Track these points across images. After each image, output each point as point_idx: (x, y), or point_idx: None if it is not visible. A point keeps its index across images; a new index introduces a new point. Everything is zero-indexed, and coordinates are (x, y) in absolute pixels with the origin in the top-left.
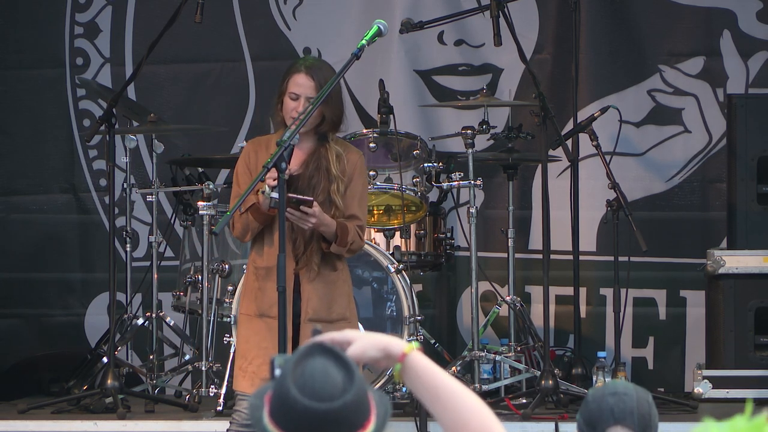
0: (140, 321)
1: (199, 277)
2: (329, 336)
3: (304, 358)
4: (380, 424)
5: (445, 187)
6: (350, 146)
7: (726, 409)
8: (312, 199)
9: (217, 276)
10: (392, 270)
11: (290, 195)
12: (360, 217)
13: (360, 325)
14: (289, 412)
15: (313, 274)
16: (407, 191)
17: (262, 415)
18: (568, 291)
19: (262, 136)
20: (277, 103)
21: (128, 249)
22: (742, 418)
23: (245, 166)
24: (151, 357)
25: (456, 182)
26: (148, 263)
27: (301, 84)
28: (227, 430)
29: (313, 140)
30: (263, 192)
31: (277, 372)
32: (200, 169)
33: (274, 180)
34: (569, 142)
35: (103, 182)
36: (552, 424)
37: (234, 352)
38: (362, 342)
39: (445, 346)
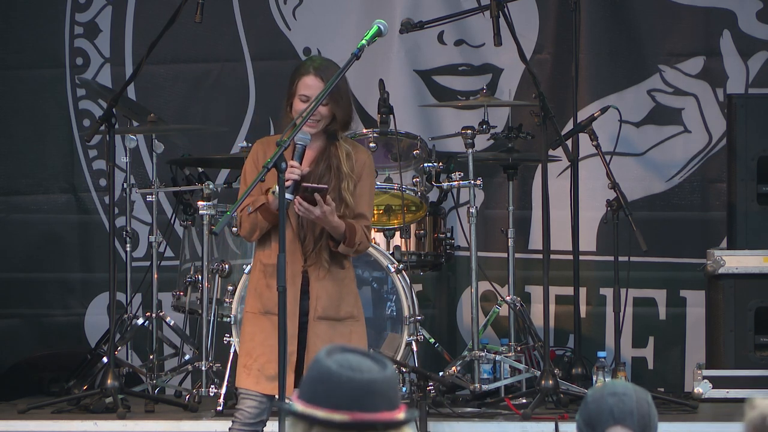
0: (140, 321)
1: (199, 277)
2: None
3: (332, 352)
4: (410, 416)
5: (445, 187)
6: (359, 146)
7: (726, 408)
8: (326, 186)
9: (217, 276)
10: (392, 270)
11: (305, 185)
12: (368, 217)
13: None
14: (331, 387)
15: (323, 272)
16: (407, 191)
17: (291, 404)
18: (568, 291)
19: (270, 136)
20: (286, 105)
21: (128, 249)
22: None
23: (254, 165)
24: (151, 357)
25: (456, 182)
26: (148, 263)
27: (311, 86)
28: (230, 428)
29: (322, 139)
30: (273, 191)
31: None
32: (200, 169)
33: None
34: (569, 142)
35: (103, 182)
36: (552, 424)
37: (236, 350)
38: None
39: (445, 346)
